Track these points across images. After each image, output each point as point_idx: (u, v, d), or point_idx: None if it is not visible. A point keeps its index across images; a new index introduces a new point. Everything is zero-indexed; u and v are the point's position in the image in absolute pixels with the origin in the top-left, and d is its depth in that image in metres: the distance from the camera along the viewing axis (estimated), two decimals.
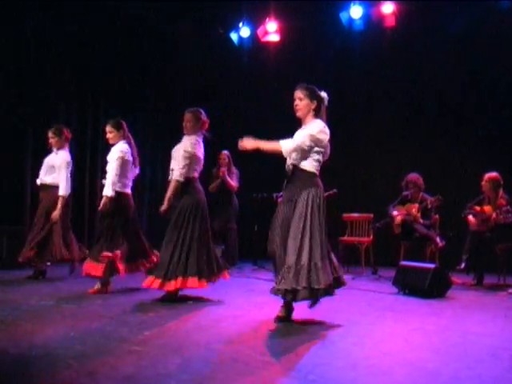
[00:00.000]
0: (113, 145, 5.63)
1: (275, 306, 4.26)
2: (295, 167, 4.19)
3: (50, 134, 6.49)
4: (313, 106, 4.26)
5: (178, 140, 5.24)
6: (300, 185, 4.15)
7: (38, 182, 6.53)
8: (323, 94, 4.33)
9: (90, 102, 8.88)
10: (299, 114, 4.29)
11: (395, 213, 7.27)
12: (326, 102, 4.34)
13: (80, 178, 8.49)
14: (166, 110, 9.65)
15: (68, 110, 8.62)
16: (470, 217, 6.82)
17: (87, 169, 8.85)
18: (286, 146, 4.13)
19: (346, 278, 4.52)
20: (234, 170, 8.15)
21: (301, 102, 4.26)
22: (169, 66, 9.81)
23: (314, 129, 4.16)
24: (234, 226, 8.20)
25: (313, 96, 4.27)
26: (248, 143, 4.20)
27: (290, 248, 4.03)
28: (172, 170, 5.13)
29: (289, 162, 4.23)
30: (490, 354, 3.34)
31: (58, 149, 6.50)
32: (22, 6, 7.70)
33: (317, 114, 4.28)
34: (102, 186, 5.55)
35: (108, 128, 5.65)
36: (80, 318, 4.18)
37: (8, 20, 7.64)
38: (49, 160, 6.50)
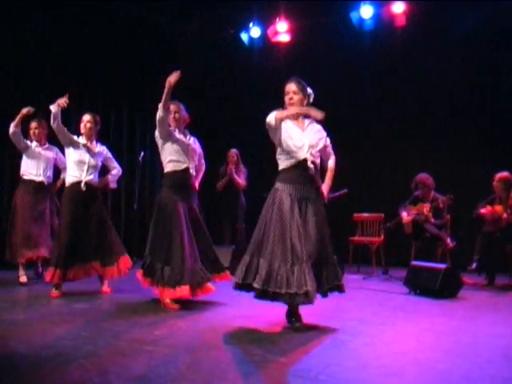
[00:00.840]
0: (81, 134, 5.61)
1: (285, 306, 4.25)
2: (314, 164, 4.05)
3: (35, 125, 6.35)
4: (305, 102, 4.11)
5: None
6: (315, 183, 4.06)
7: (45, 180, 6.38)
8: (310, 91, 4.20)
9: (90, 102, 8.88)
10: None
11: (404, 214, 7.23)
12: (311, 99, 4.20)
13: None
14: None
15: (68, 109, 8.62)
16: (483, 210, 6.73)
17: None
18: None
19: (356, 277, 4.53)
20: (243, 168, 8.12)
21: (296, 95, 4.08)
22: (169, 66, 9.80)
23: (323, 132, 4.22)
24: (241, 225, 8.16)
25: (305, 91, 4.13)
26: (319, 113, 3.85)
27: (329, 246, 4.00)
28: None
29: (310, 158, 3.99)
30: (502, 355, 3.32)
31: (41, 142, 6.40)
32: (22, 6, 7.71)
33: None
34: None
35: (90, 118, 5.61)
36: (91, 318, 4.21)
37: (8, 20, 7.66)
38: (49, 158, 6.40)
